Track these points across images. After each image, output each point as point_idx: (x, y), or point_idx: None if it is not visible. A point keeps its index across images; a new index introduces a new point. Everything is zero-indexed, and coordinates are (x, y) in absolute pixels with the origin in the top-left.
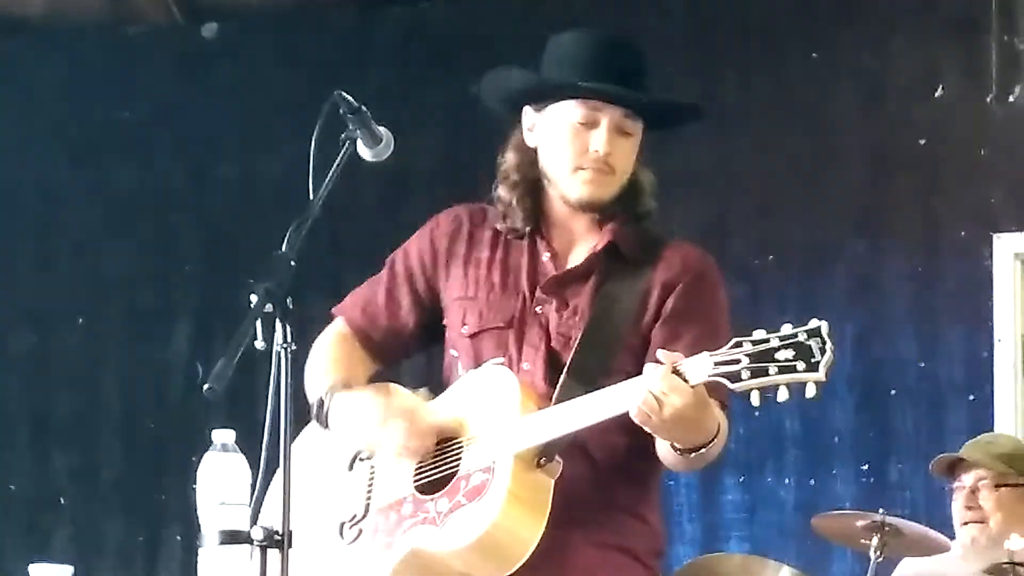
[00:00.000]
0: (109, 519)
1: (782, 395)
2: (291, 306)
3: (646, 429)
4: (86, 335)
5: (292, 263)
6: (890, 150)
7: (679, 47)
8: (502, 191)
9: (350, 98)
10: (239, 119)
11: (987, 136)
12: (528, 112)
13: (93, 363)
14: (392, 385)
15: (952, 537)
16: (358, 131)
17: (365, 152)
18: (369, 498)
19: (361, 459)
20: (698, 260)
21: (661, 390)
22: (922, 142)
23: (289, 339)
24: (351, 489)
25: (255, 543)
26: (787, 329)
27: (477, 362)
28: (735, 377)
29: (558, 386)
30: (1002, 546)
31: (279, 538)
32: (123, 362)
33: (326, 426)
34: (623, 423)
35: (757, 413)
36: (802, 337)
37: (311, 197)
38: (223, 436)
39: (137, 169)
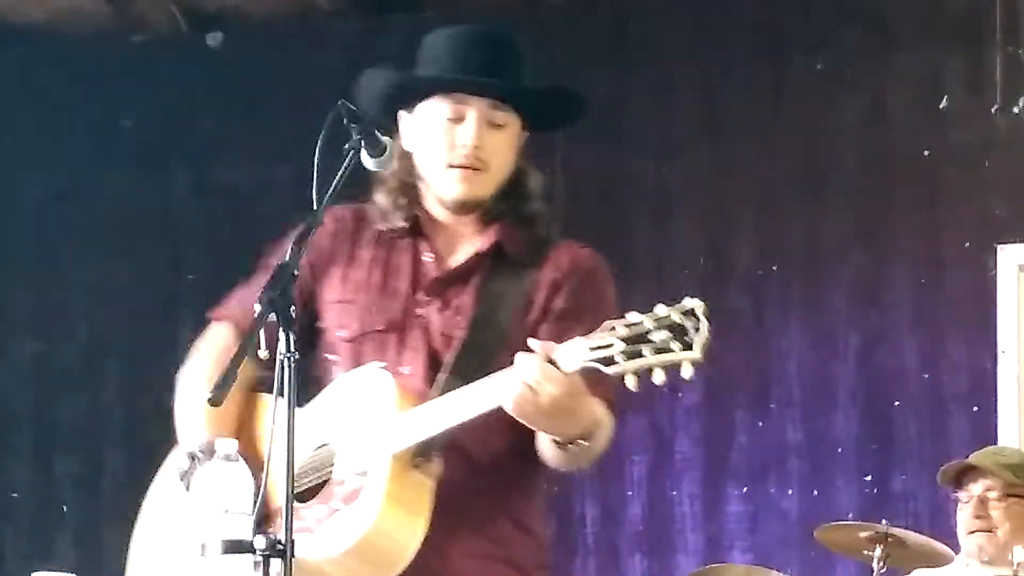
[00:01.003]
0: (111, 527)
1: (658, 378)
2: (294, 315)
3: (522, 421)
4: (89, 343)
5: (295, 273)
6: (894, 161)
7: (681, 57)
8: (380, 196)
9: (354, 107)
10: (243, 128)
11: (991, 147)
12: (403, 116)
13: (96, 371)
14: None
15: (955, 548)
16: (362, 140)
17: (368, 161)
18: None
19: (192, 474)
20: (587, 259)
21: (535, 379)
22: (926, 153)
23: (293, 348)
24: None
25: (257, 552)
26: (661, 310)
27: (357, 366)
28: (609, 361)
29: (438, 386)
30: (1007, 557)
31: (281, 547)
32: (126, 370)
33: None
34: (503, 423)
35: (761, 424)
36: (676, 317)
37: (315, 206)
38: (226, 446)
39: (141, 177)
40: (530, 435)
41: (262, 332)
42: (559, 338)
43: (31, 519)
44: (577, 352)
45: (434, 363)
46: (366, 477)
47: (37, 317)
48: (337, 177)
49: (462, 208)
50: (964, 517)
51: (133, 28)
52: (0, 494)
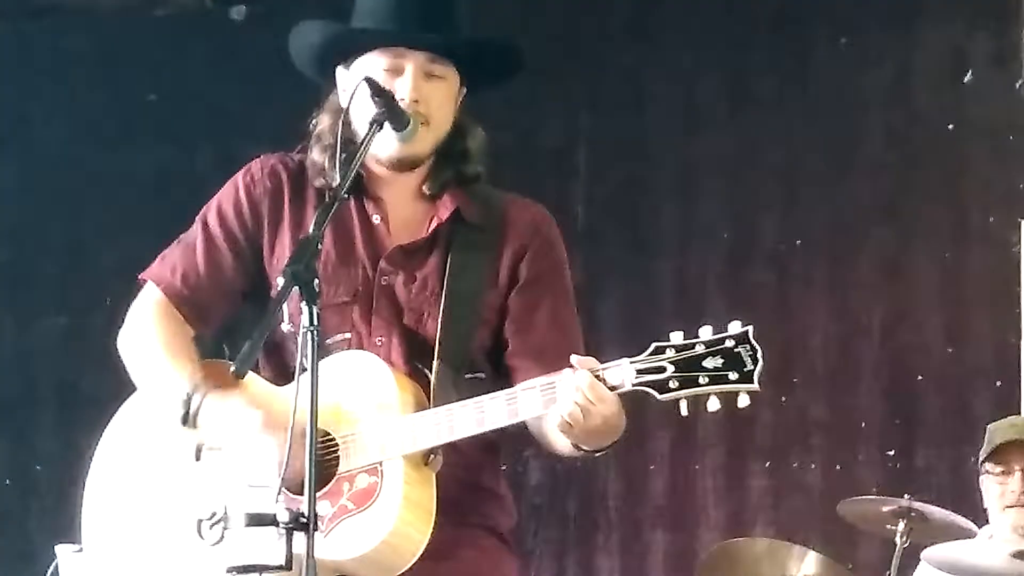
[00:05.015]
0: None
1: (713, 405)
2: (318, 289)
3: (564, 436)
4: (114, 316)
5: (319, 246)
6: (918, 136)
7: (707, 34)
8: (316, 154)
9: (378, 81)
10: (268, 101)
11: (1016, 122)
12: (340, 71)
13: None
14: (259, 385)
15: (978, 522)
16: (385, 114)
17: (391, 135)
18: (227, 495)
19: (209, 448)
20: (543, 220)
21: (588, 399)
22: (950, 127)
23: (316, 321)
24: (202, 482)
25: (281, 525)
26: (708, 333)
27: (320, 337)
28: (662, 387)
29: (433, 374)
30: None
31: (305, 520)
32: None
33: (194, 425)
34: None
35: (784, 399)
36: (729, 344)
37: (338, 180)
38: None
39: (166, 151)
40: None
41: (283, 305)
42: (530, 308)
43: (55, 493)
44: (626, 373)
45: (409, 338)
46: (378, 477)
47: (62, 291)
48: (360, 150)
49: (399, 165)
50: (1005, 491)
51: (157, 2)
52: (24, 468)
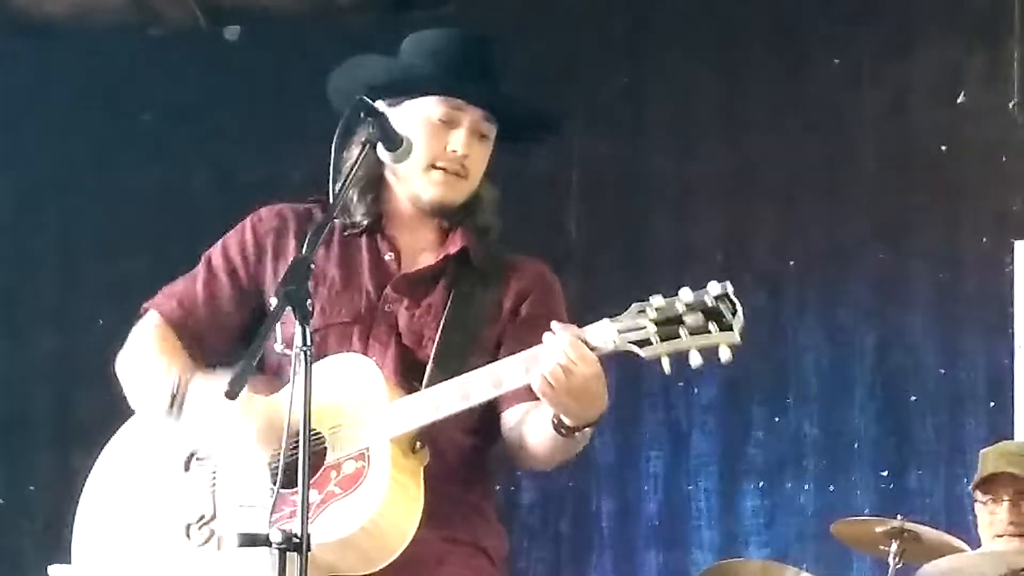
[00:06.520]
0: None
1: (695, 360)
2: (311, 309)
3: (545, 401)
4: (108, 336)
5: (312, 266)
6: (912, 156)
7: (702, 53)
8: (340, 187)
9: (371, 101)
10: (260, 122)
11: (1009, 143)
12: (380, 107)
13: (115, 366)
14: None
15: (971, 542)
16: (378, 135)
17: (385, 156)
18: (216, 497)
19: (198, 459)
20: (547, 273)
21: (570, 359)
22: (944, 148)
23: (309, 341)
24: (191, 490)
25: (273, 546)
26: (688, 294)
27: (319, 359)
28: (644, 344)
29: (427, 372)
30: None
31: (297, 541)
32: None
33: (178, 414)
34: (473, 424)
35: (777, 419)
36: (709, 301)
37: (331, 200)
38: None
39: (159, 171)
40: (495, 436)
41: (276, 326)
42: (524, 339)
43: (48, 513)
44: (607, 334)
45: (404, 356)
46: (365, 462)
47: (56, 311)
48: (352, 171)
49: (435, 210)
50: (994, 520)
51: (151, 22)
52: (18, 488)
